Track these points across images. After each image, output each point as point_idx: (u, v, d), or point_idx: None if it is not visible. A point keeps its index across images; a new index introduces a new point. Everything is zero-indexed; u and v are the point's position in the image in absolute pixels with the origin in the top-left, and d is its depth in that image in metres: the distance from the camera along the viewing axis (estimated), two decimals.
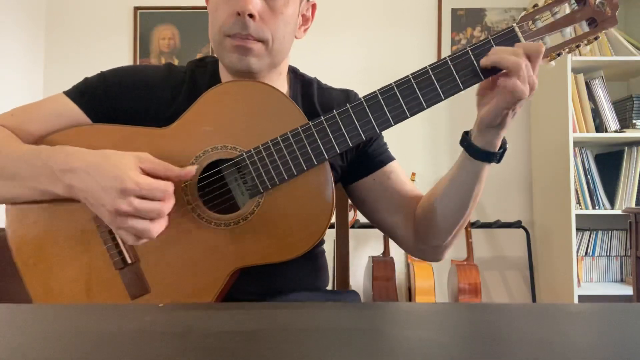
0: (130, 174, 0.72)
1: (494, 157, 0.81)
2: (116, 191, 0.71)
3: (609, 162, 2.44)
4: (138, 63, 2.74)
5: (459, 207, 0.87)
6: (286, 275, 0.89)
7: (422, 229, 0.92)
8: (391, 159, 0.98)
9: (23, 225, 0.83)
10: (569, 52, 0.81)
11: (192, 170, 0.77)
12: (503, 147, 0.82)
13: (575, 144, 2.30)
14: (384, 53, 2.74)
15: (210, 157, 0.80)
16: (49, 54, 2.79)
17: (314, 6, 0.97)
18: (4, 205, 0.84)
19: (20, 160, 0.78)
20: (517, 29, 0.78)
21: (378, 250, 2.52)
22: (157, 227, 0.73)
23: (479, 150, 0.80)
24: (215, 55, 0.96)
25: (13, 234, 0.83)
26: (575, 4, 0.79)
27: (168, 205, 0.74)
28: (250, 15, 0.82)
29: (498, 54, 0.75)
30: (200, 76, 0.93)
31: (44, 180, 0.76)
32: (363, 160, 0.96)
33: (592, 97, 2.36)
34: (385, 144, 1.00)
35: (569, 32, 0.80)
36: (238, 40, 0.84)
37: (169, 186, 0.74)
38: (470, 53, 0.77)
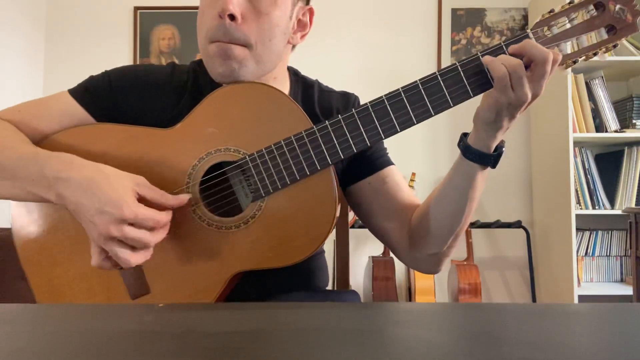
0: (129, 202, 0.71)
1: (487, 159, 0.79)
2: (112, 217, 0.70)
3: (609, 162, 2.44)
4: (138, 63, 2.74)
5: (453, 212, 0.85)
6: (286, 275, 0.89)
7: (416, 235, 0.90)
8: (389, 163, 0.95)
9: (27, 223, 0.84)
10: (585, 60, 0.78)
11: (185, 198, 0.77)
12: (498, 150, 0.80)
13: (575, 144, 2.30)
14: (384, 53, 2.74)
15: (214, 159, 0.80)
16: (49, 54, 2.79)
17: (311, 11, 0.91)
18: (8, 206, 0.84)
19: (19, 162, 0.77)
20: (531, 35, 0.76)
21: (378, 250, 2.52)
22: (138, 258, 0.73)
23: (472, 151, 0.79)
24: None
25: (18, 231, 0.84)
26: (594, 10, 0.76)
27: (156, 237, 0.73)
28: (232, 17, 0.79)
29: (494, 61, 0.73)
30: (202, 77, 0.92)
31: (38, 185, 0.75)
32: (360, 163, 0.94)
33: (592, 97, 2.36)
34: (384, 148, 0.98)
35: (585, 39, 0.77)
36: (219, 44, 0.82)
37: (163, 217, 0.73)
38: (482, 59, 0.75)
